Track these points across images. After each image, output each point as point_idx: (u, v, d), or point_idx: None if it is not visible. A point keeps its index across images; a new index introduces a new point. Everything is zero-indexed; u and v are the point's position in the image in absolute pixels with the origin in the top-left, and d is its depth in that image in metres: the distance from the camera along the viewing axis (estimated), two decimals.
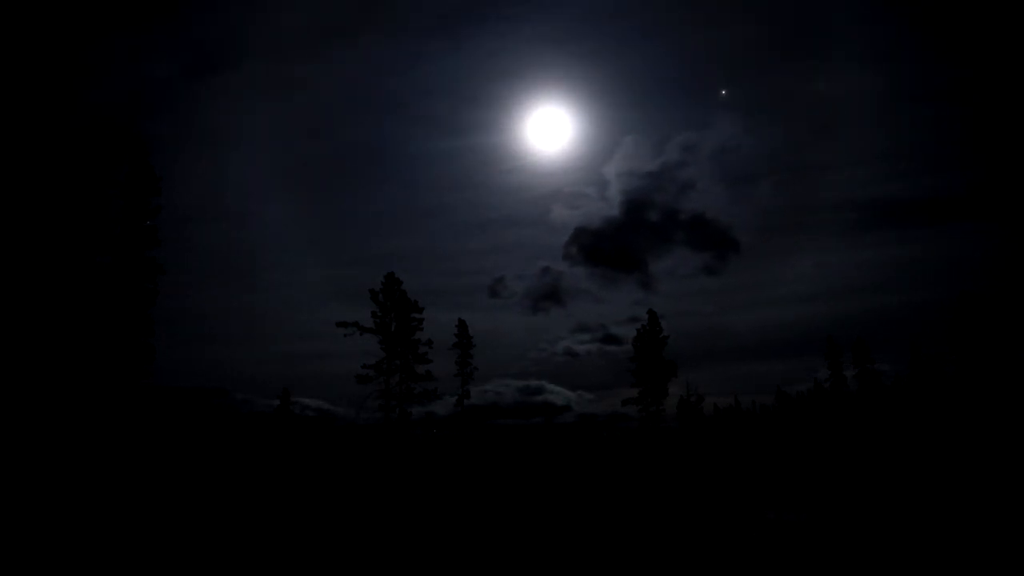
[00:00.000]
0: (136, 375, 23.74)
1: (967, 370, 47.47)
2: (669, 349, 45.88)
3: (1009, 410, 36.65)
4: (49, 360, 21.66)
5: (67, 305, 22.46)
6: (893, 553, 11.02)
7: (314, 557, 11.64)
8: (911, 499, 16.95)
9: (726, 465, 30.90)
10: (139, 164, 24.30)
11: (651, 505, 18.17)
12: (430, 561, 11.41)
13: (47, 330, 21.86)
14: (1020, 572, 9.99)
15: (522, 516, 16.21)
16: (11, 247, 21.90)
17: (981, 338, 46.93)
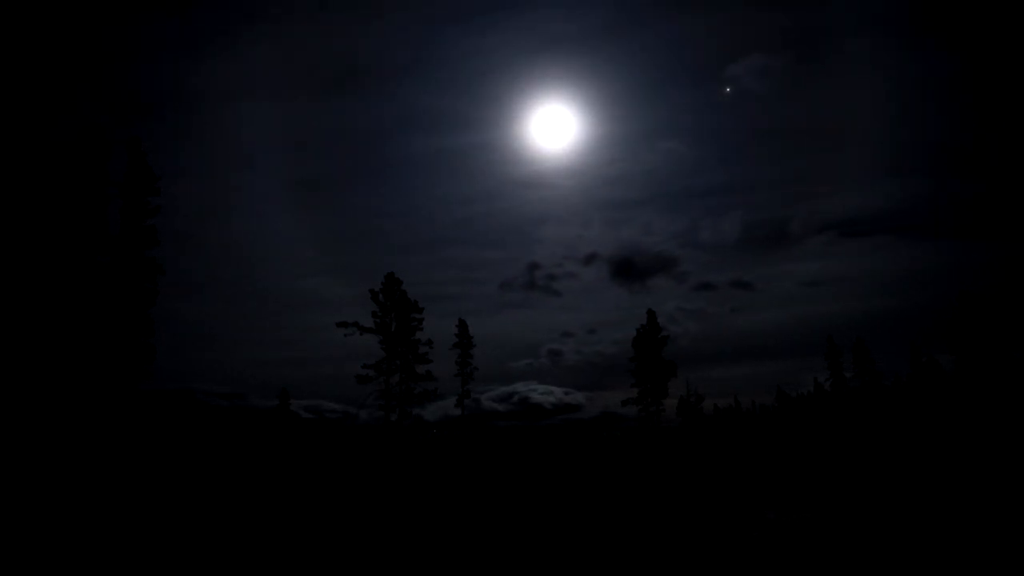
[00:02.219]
0: (136, 375, 23.69)
1: (966, 370, 47.48)
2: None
3: (1009, 410, 36.64)
4: (49, 360, 21.63)
5: (67, 305, 22.43)
6: (893, 553, 11.01)
7: (314, 555, 11.62)
8: (911, 499, 16.93)
9: (726, 465, 30.88)
10: (138, 164, 24.27)
11: (651, 505, 18.15)
12: (429, 559, 11.40)
13: (47, 330, 21.83)
14: (1020, 572, 9.98)
15: (521, 516, 16.19)
16: (11, 248, 21.87)
17: (980, 337, 46.93)
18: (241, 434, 48.93)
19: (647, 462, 33.43)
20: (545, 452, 45.06)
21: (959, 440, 31.65)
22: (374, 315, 34.52)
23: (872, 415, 47.47)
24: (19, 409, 20.01)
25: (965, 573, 9.95)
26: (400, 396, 34.29)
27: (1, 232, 21.87)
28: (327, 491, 21.40)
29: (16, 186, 22.36)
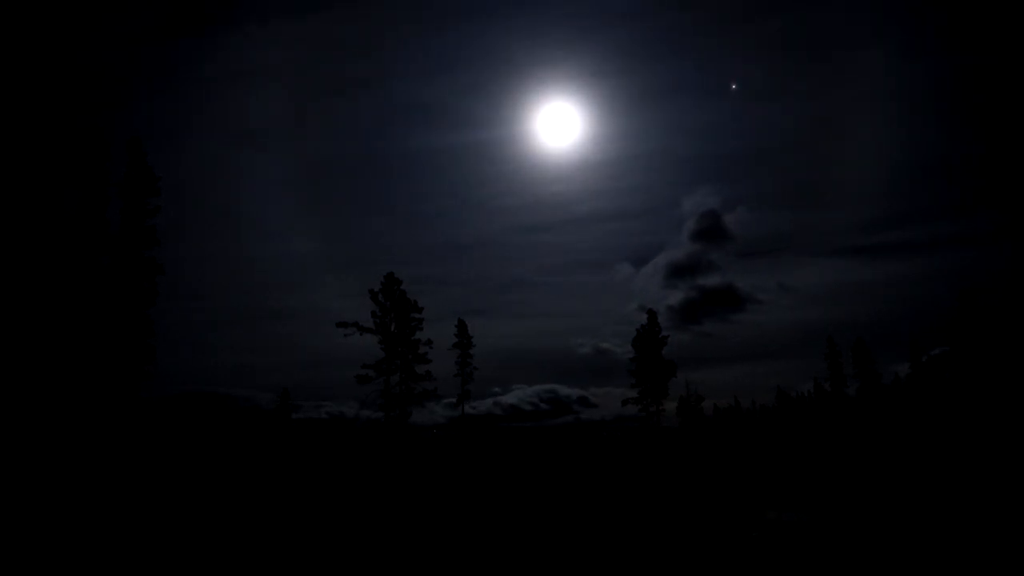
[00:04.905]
0: (136, 376, 23.70)
1: (967, 368, 47.46)
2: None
3: (1009, 409, 36.63)
4: (49, 360, 21.63)
5: (67, 305, 22.43)
6: (892, 553, 11.01)
7: (314, 555, 11.62)
8: (911, 499, 16.94)
9: (726, 465, 30.87)
10: (138, 165, 24.29)
11: (650, 504, 18.15)
12: (429, 560, 11.40)
13: (47, 330, 21.84)
14: (1020, 572, 9.98)
15: (521, 516, 16.19)
16: (11, 248, 21.88)
17: (981, 335, 46.90)
18: (241, 435, 48.93)
19: (647, 462, 33.41)
20: (545, 452, 45.03)
21: (958, 439, 31.65)
22: (373, 315, 34.50)
23: (871, 415, 47.47)
24: (19, 408, 20.01)
25: (965, 573, 9.95)
26: (400, 396, 34.28)
27: (2, 233, 21.88)
28: (328, 492, 21.40)
29: (16, 187, 22.37)
